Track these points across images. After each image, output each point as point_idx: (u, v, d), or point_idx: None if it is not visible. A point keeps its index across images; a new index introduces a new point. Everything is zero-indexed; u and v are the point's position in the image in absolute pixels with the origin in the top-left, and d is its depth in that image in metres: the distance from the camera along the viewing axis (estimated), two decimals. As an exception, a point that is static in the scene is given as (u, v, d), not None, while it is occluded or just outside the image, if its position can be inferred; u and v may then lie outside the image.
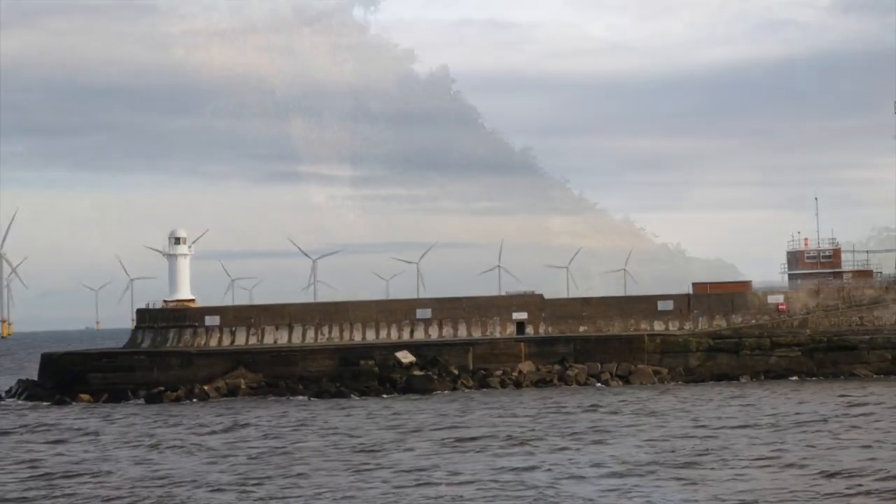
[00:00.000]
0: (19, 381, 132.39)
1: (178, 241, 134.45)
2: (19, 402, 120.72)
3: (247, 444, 76.35)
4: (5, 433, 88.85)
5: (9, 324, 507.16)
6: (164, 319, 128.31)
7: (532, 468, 61.50)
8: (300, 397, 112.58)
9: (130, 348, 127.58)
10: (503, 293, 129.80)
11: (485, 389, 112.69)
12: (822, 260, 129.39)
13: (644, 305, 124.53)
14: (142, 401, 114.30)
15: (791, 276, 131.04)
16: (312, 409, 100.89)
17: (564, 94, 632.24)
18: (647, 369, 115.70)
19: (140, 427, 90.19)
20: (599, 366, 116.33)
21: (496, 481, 57.48)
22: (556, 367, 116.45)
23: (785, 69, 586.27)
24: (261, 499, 55.62)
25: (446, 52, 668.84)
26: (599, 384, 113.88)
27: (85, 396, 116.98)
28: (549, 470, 60.64)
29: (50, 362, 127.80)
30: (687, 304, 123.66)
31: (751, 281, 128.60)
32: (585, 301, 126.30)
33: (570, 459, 64.14)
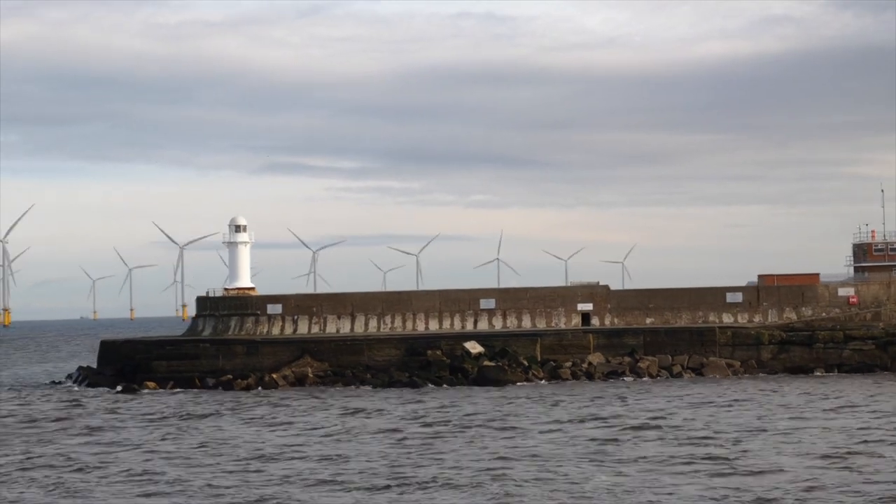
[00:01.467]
0: (79, 368, 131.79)
1: (238, 228, 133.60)
2: (85, 388, 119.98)
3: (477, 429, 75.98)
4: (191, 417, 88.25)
5: (10, 312, 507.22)
6: (225, 307, 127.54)
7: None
8: (367, 387, 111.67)
9: (192, 336, 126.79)
10: (568, 283, 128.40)
11: (555, 381, 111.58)
12: (890, 252, 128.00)
13: (712, 297, 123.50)
14: (211, 388, 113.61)
15: (857, 269, 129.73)
16: (419, 398, 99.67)
17: (560, 88, 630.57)
18: (719, 362, 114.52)
19: (282, 416, 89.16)
20: (670, 358, 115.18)
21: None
22: (627, 358, 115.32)
23: (782, 65, 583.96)
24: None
25: (444, 45, 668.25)
26: (672, 377, 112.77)
27: (151, 384, 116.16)
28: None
29: (111, 350, 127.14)
30: (756, 296, 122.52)
31: (819, 273, 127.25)
32: (652, 292, 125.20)
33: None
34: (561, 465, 59.80)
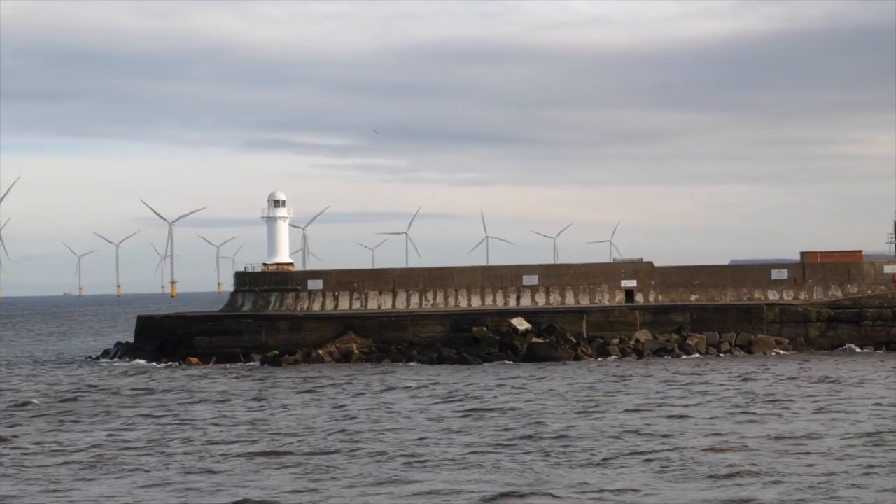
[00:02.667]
0: (118, 343, 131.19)
1: (277, 203, 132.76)
2: (126, 363, 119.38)
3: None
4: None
5: None
6: (265, 283, 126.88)
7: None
8: (413, 363, 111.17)
9: (232, 311, 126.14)
10: (612, 260, 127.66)
11: (601, 359, 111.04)
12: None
13: (757, 274, 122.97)
14: (256, 363, 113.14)
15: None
16: (494, 372, 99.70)
17: (547, 66, 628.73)
18: (768, 339, 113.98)
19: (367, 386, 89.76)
20: (718, 335, 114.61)
21: None
22: (674, 336, 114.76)
23: (768, 44, 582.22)
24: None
25: (431, 23, 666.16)
26: (721, 354, 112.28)
27: (193, 359, 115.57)
28: None
29: (150, 325, 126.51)
30: (801, 273, 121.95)
31: (862, 251, 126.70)
32: (697, 269, 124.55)
33: None
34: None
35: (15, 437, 65.40)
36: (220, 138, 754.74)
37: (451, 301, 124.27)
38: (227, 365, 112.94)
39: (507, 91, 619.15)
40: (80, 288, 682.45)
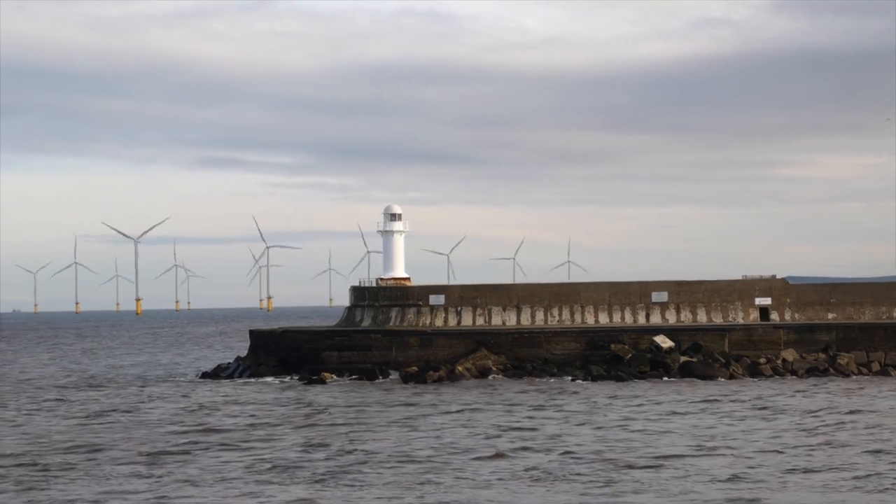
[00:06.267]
0: (237, 358, 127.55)
1: (393, 216, 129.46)
2: (248, 378, 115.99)
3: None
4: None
5: None
6: (385, 298, 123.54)
7: None
8: (552, 379, 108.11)
9: (351, 326, 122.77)
10: (742, 277, 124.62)
11: (755, 378, 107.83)
12: None
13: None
14: (397, 379, 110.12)
15: None
16: (698, 390, 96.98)
17: (498, 86, 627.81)
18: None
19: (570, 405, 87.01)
20: (866, 355, 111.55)
21: None
22: (822, 355, 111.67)
23: (718, 66, 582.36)
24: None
25: (385, 42, 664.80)
26: (871, 374, 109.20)
27: (328, 375, 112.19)
28: None
29: (269, 340, 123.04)
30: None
31: None
32: (834, 287, 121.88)
33: None
34: None
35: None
36: (167, 155, 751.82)
37: (578, 317, 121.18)
38: (364, 381, 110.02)
39: (456, 111, 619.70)
40: (36, 305, 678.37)
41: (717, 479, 53.49)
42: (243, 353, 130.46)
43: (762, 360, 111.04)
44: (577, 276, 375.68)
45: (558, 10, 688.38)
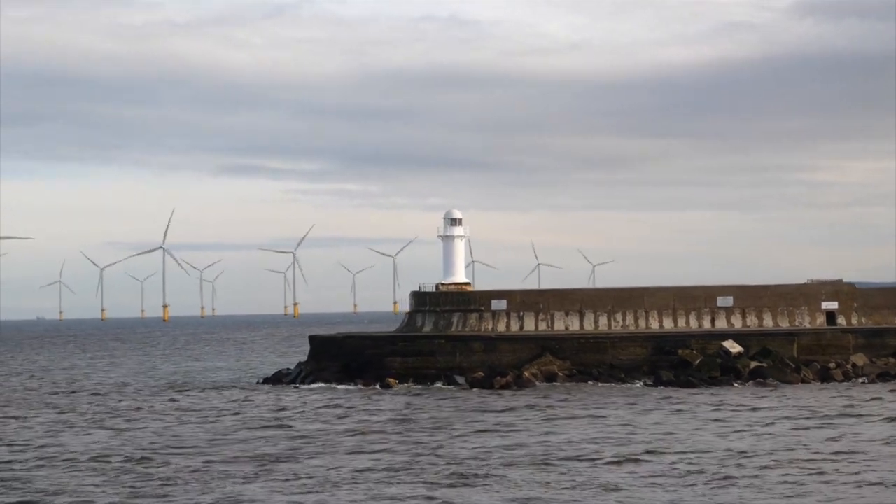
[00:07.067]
0: (299, 363, 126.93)
1: (453, 221, 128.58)
2: (310, 384, 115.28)
3: None
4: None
5: None
6: (447, 303, 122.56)
7: None
8: (620, 384, 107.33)
9: (411, 332, 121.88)
10: (807, 281, 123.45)
11: (825, 383, 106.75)
12: None
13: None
14: (464, 384, 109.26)
15: None
16: (786, 395, 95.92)
17: (520, 91, 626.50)
18: None
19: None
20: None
21: None
22: (892, 359, 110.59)
23: (741, 70, 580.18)
24: None
25: (407, 48, 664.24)
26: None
27: (393, 380, 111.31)
28: None
29: (331, 346, 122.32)
30: None
31: None
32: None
33: None
34: None
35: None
36: (191, 162, 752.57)
37: (642, 322, 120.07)
38: (428, 385, 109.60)
39: (478, 116, 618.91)
40: (61, 312, 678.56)
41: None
42: (286, 358, 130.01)
43: (832, 365, 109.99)
44: (599, 283, 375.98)
45: (580, 16, 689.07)
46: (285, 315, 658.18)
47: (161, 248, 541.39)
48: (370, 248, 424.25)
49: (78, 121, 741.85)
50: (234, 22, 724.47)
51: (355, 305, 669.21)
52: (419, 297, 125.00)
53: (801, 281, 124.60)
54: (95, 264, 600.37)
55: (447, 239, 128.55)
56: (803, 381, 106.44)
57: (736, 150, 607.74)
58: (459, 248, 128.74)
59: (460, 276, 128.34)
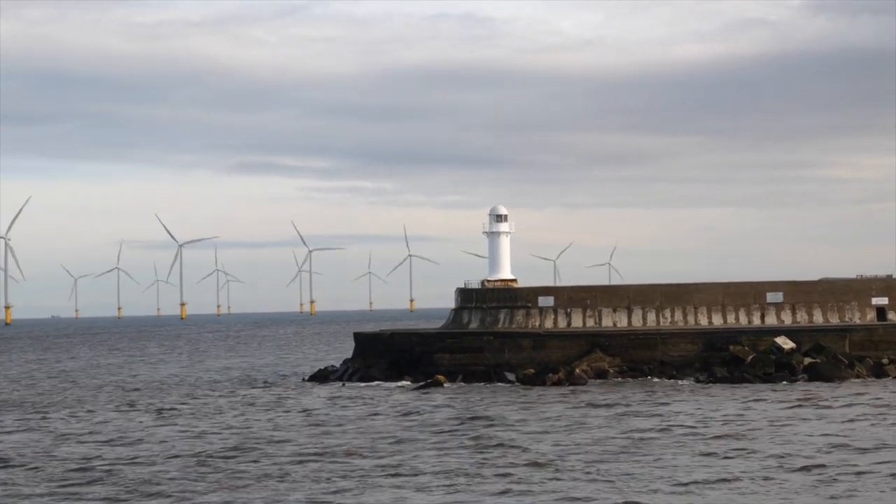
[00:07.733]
0: (344, 361, 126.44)
1: (499, 218, 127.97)
2: (357, 382, 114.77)
3: None
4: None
5: (10, 310, 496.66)
6: (493, 299, 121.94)
7: None
8: (673, 381, 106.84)
9: (458, 328, 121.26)
10: (857, 276, 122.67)
11: (879, 379, 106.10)
12: None
13: None
14: (514, 381, 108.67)
15: None
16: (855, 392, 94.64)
17: (535, 89, 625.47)
18: None
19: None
20: None
21: None
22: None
23: (756, 67, 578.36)
24: None
25: (421, 46, 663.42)
26: None
27: (442, 377, 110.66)
28: None
29: (377, 343, 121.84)
30: None
31: None
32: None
33: None
34: None
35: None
36: (206, 161, 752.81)
37: (691, 319, 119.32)
38: (476, 383, 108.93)
39: (492, 114, 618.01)
40: (77, 310, 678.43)
41: None
42: (319, 356, 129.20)
43: (885, 361, 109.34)
44: (615, 279, 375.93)
45: (594, 13, 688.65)
46: (301, 312, 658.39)
47: (177, 244, 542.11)
48: (385, 245, 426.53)
49: (93, 120, 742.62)
50: (248, 21, 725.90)
51: (371, 303, 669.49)
52: (465, 294, 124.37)
53: (851, 276, 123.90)
54: (112, 262, 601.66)
55: (493, 235, 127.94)
56: (857, 377, 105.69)
57: (749, 147, 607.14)
58: (505, 244, 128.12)
59: (506, 272, 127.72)
